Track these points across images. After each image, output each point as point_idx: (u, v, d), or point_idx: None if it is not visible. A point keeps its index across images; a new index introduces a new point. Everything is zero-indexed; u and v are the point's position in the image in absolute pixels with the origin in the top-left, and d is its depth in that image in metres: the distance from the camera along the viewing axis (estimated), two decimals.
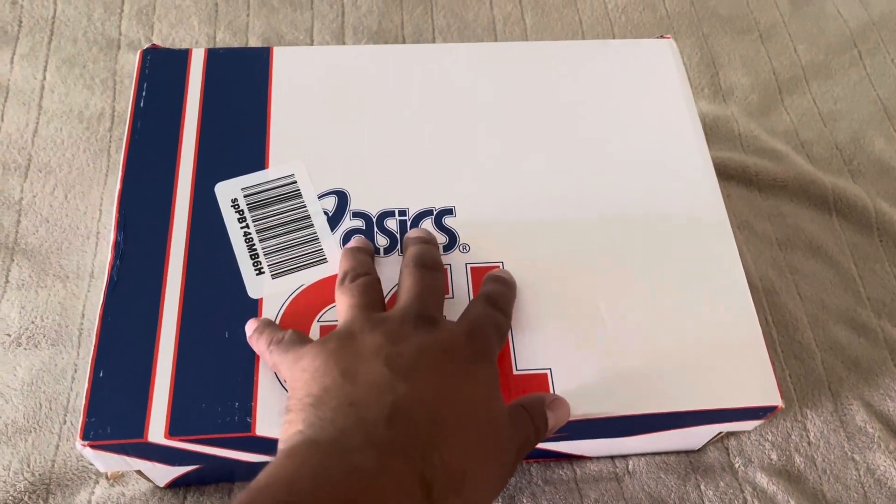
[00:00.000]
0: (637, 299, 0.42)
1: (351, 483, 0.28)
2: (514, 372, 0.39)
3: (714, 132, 0.64)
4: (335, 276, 0.41)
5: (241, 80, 0.49)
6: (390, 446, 0.29)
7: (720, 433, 0.47)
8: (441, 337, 0.34)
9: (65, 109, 0.61)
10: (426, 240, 0.42)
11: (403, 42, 0.68)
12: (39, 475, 0.46)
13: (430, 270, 0.39)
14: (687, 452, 0.50)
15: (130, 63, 0.63)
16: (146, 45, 0.50)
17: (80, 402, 0.38)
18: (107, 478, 0.47)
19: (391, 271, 0.42)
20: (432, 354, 0.33)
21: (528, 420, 0.36)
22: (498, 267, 0.43)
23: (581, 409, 0.39)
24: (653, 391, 0.39)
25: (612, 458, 0.49)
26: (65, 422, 0.48)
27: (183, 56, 0.49)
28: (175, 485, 0.46)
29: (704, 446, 0.49)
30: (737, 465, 0.49)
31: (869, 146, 0.64)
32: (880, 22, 0.72)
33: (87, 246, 0.55)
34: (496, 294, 0.40)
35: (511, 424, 0.35)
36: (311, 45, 0.66)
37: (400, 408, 0.30)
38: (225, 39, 0.66)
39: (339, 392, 0.31)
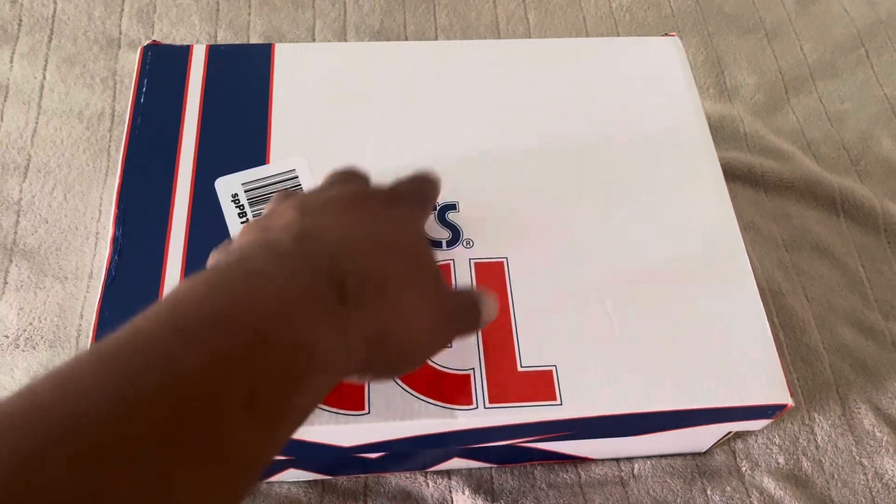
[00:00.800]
0: (644, 296, 0.41)
1: (248, 286, 0.26)
2: (519, 368, 0.39)
3: (719, 132, 0.63)
4: None
5: (243, 76, 0.48)
6: (293, 255, 0.28)
7: (727, 434, 0.46)
8: (352, 188, 0.34)
9: (65, 109, 0.60)
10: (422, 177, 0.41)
11: (406, 41, 0.67)
12: None
13: (418, 183, 0.39)
14: (693, 455, 0.49)
15: (131, 62, 0.63)
16: (147, 42, 0.49)
17: None
18: None
19: None
20: (340, 200, 0.32)
21: (465, 296, 0.36)
22: (501, 263, 0.42)
23: (587, 407, 0.38)
24: (660, 389, 0.39)
25: (618, 460, 0.49)
26: None
27: (184, 52, 0.49)
28: None
29: (711, 449, 0.49)
30: (743, 469, 0.48)
31: (876, 146, 0.64)
32: (888, 20, 0.71)
33: (86, 246, 0.54)
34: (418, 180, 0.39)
35: (441, 279, 0.34)
36: (314, 42, 0.66)
37: (307, 232, 0.29)
38: (226, 38, 0.65)
39: (251, 236, 0.30)
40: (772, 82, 0.67)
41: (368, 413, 0.37)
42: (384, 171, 0.45)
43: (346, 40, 0.66)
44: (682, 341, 0.40)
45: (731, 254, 0.43)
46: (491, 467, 0.48)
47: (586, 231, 0.44)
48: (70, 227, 0.55)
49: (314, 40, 0.66)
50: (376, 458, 0.45)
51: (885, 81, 0.68)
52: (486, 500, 0.46)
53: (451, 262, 0.42)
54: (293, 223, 0.29)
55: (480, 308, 0.36)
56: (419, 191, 0.38)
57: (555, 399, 0.38)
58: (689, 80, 0.50)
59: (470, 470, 0.48)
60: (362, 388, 0.38)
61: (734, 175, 0.60)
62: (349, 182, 0.36)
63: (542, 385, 0.38)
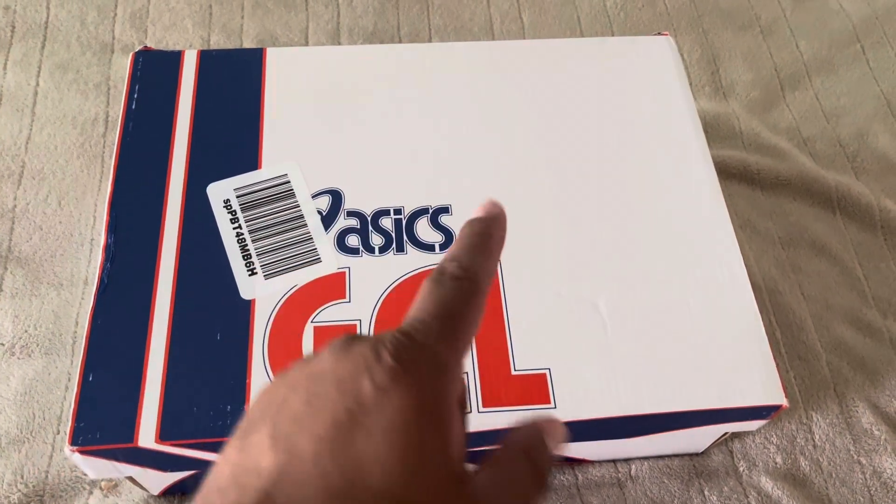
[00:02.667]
0: (637, 298, 0.41)
1: None
2: (513, 372, 0.39)
3: (715, 130, 0.63)
4: (329, 275, 0.41)
5: (234, 81, 0.48)
6: None
7: (724, 434, 0.46)
8: (340, 371, 0.22)
9: (58, 115, 0.60)
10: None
11: (400, 43, 0.67)
12: (33, 486, 0.46)
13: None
14: (690, 456, 0.49)
15: (124, 68, 0.62)
16: (139, 48, 0.49)
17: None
18: (100, 488, 0.46)
19: (385, 270, 0.41)
20: (325, 399, 0.21)
21: (524, 472, 0.24)
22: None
23: (581, 410, 0.38)
24: (654, 391, 0.39)
25: (615, 462, 0.48)
26: (58, 432, 0.48)
27: (175, 58, 0.49)
28: (169, 493, 0.45)
29: (708, 449, 0.49)
30: (741, 469, 0.48)
31: (873, 142, 0.63)
32: (884, 16, 0.71)
33: (80, 253, 0.54)
34: (450, 257, 0.26)
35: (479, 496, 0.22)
36: (306, 46, 0.66)
37: (274, 493, 0.20)
38: (219, 42, 0.65)
39: (225, 467, 0.21)
40: (767, 79, 0.67)
41: None
42: (378, 171, 0.45)
43: (339, 43, 0.66)
44: (675, 343, 0.40)
45: (725, 254, 0.43)
46: None
47: (579, 233, 0.43)
48: (65, 233, 0.55)
49: (307, 43, 0.66)
50: None
51: (881, 77, 0.67)
52: None
53: None
54: (259, 476, 0.20)
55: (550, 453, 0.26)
56: (447, 310, 0.24)
57: (549, 402, 0.38)
58: (683, 79, 0.50)
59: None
60: None
61: (730, 173, 0.60)
62: (340, 359, 0.22)
63: (535, 388, 0.38)
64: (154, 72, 0.48)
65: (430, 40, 0.67)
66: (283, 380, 0.22)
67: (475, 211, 0.28)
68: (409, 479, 0.21)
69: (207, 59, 0.49)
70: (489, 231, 0.28)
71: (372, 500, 0.20)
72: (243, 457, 0.21)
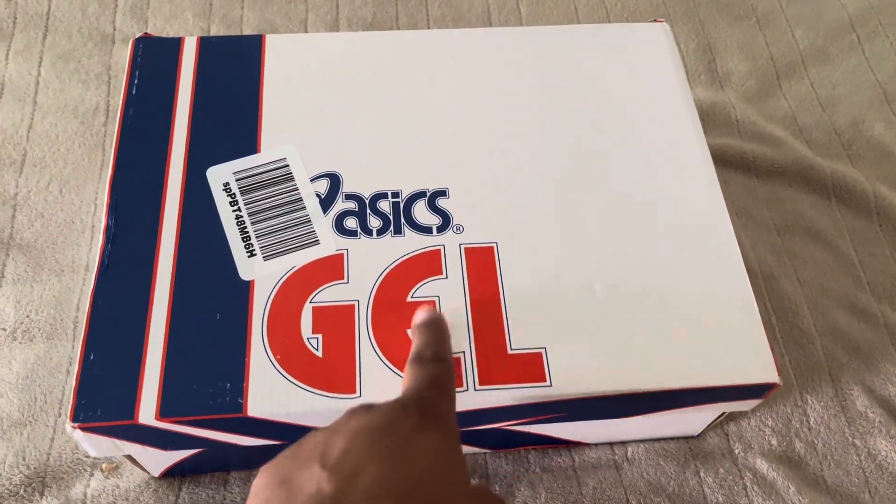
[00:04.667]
0: (633, 280, 0.42)
1: None
2: (509, 351, 0.39)
3: (711, 118, 0.63)
4: (327, 257, 0.41)
5: (234, 67, 0.48)
6: None
7: (720, 416, 0.46)
8: (373, 418, 0.30)
9: (60, 105, 0.61)
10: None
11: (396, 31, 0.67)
12: (35, 468, 0.46)
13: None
14: (686, 439, 0.49)
15: (125, 58, 0.63)
16: (139, 35, 0.50)
17: None
18: (101, 470, 0.46)
19: (383, 252, 0.42)
20: (365, 437, 0.29)
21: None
22: (492, 248, 0.42)
23: (577, 388, 0.38)
24: (648, 370, 0.39)
25: (611, 444, 0.49)
26: (60, 415, 0.48)
27: (175, 44, 0.49)
28: (170, 474, 0.45)
29: (704, 432, 0.49)
30: (736, 452, 0.49)
31: (868, 131, 0.64)
32: (879, 6, 0.71)
33: (82, 240, 0.55)
34: (423, 346, 0.36)
35: (476, 497, 0.32)
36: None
37: None
38: (219, 32, 0.66)
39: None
40: (763, 68, 0.67)
41: (360, 396, 0.37)
42: (377, 154, 0.45)
43: (340, 32, 0.67)
44: (670, 324, 0.40)
45: (720, 237, 0.44)
46: (485, 452, 0.48)
47: (576, 215, 0.44)
48: (66, 221, 0.55)
49: (307, 33, 0.66)
50: None
51: (876, 67, 0.68)
52: None
53: (442, 247, 0.42)
54: (312, 495, 0.27)
55: None
56: (433, 359, 0.35)
57: (544, 380, 0.38)
58: (679, 65, 0.51)
59: (464, 455, 0.48)
60: (354, 371, 0.38)
61: (726, 161, 0.61)
62: (369, 412, 0.31)
63: (531, 367, 0.39)
64: (154, 58, 0.49)
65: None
66: (312, 438, 0.30)
67: (419, 314, 0.39)
68: (449, 487, 0.29)
69: (207, 45, 0.49)
70: (442, 326, 0.38)
71: (429, 497, 0.28)
72: (293, 492, 0.27)
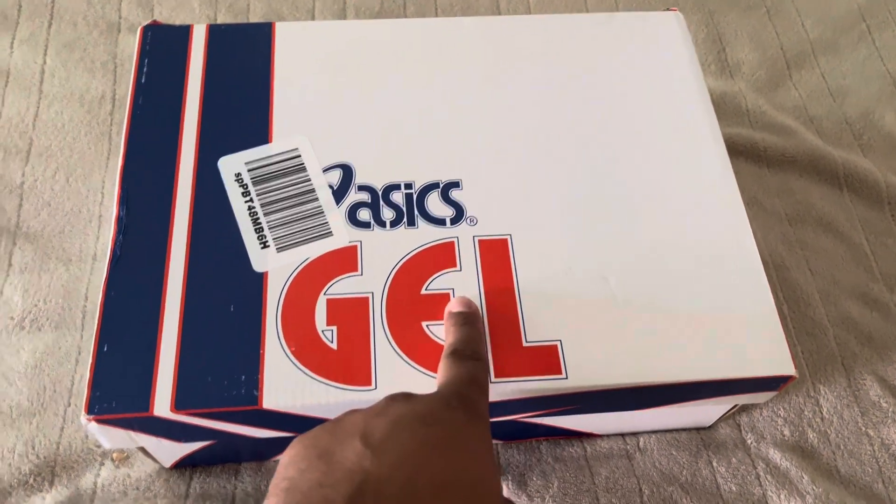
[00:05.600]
0: (648, 271, 0.41)
1: None
2: (524, 344, 0.39)
3: (721, 108, 0.63)
4: (341, 248, 0.41)
5: (244, 56, 0.48)
6: None
7: (732, 408, 0.46)
8: (417, 407, 0.31)
9: (65, 93, 0.60)
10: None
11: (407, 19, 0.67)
12: (44, 457, 0.46)
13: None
14: (698, 429, 0.49)
15: (131, 46, 0.62)
16: (146, 23, 0.49)
17: (85, 384, 0.37)
18: (112, 459, 0.46)
19: (396, 244, 0.41)
20: (408, 423, 0.30)
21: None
22: (506, 240, 0.42)
23: (592, 380, 0.38)
24: (664, 362, 0.39)
25: (623, 435, 0.49)
26: (69, 404, 0.48)
27: (184, 32, 0.49)
28: (181, 465, 0.45)
29: (716, 423, 0.49)
30: (749, 442, 0.49)
31: (879, 121, 0.63)
32: None
33: (89, 229, 0.54)
34: (460, 342, 0.37)
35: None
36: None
37: (366, 487, 0.28)
38: (226, 21, 0.65)
39: (312, 474, 0.29)
40: (773, 59, 0.67)
41: (375, 388, 0.37)
42: (389, 145, 0.45)
43: (350, 20, 0.66)
44: (685, 316, 0.40)
45: (735, 229, 0.43)
46: (497, 443, 0.48)
47: (589, 207, 0.44)
48: (73, 209, 0.55)
49: (316, 21, 0.66)
50: None
51: (887, 57, 0.67)
52: None
53: (456, 239, 0.42)
54: (354, 471, 0.28)
55: None
56: (470, 357, 0.36)
57: (560, 373, 0.38)
58: (692, 54, 0.50)
59: None
60: (369, 363, 0.38)
61: (737, 151, 0.60)
62: (411, 401, 0.32)
63: (547, 359, 0.38)
64: (163, 46, 0.48)
65: None
66: (351, 417, 0.30)
67: (455, 304, 0.39)
68: (485, 486, 0.30)
69: (216, 33, 0.49)
70: (479, 322, 0.39)
71: (469, 490, 0.29)
72: (333, 465, 0.28)
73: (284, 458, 0.30)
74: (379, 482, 0.28)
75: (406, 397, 0.32)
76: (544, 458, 0.48)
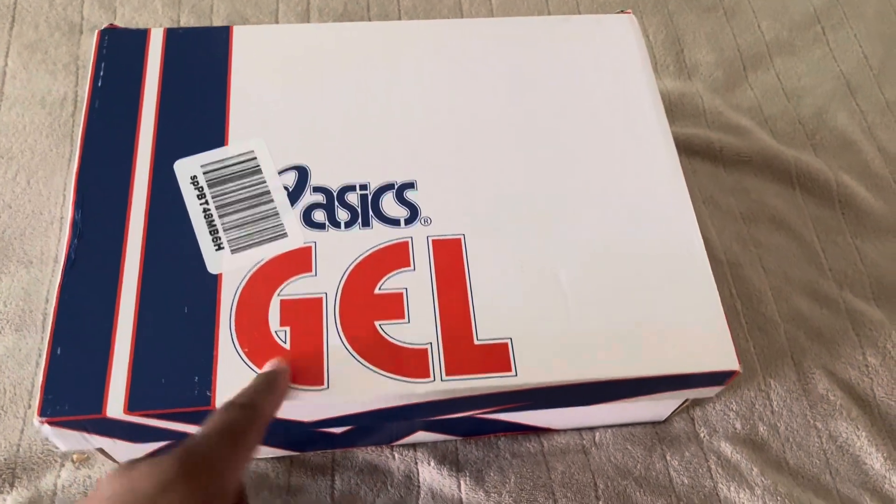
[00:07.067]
0: (597, 269, 0.42)
1: None
2: (476, 342, 0.39)
3: (679, 108, 0.64)
4: (295, 250, 0.42)
5: (201, 59, 0.48)
6: None
7: (684, 402, 0.47)
8: (120, 482, 0.28)
9: (27, 95, 0.60)
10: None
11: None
12: (4, 460, 0.46)
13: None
14: (653, 424, 0.50)
15: (93, 48, 0.62)
16: (104, 26, 0.49)
17: None
18: (72, 460, 0.46)
19: (351, 245, 0.42)
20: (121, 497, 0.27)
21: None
22: (459, 240, 0.43)
23: (543, 377, 0.39)
24: (613, 358, 0.40)
25: (579, 430, 0.50)
26: (29, 406, 0.48)
27: (141, 36, 0.49)
28: None
29: (670, 417, 0.50)
30: (702, 435, 0.50)
31: (831, 120, 0.65)
32: None
33: (50, 231, 0.55)
34: (239, 393, 0.34)
35: None
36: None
37: None
38: (189, 23, 0.65)
39: None
40: (730, 60, 0.68)
41: (327, 388, 0.38)
42: (345, 147, 0.45)
43: (309, 23, 0.67)
44: (634, 313, 0.41)
45: (683, 226, 0.44)
46: (456, 440, 0.49)
47: (542, 206, 0.44)
48: (34, 212, 0.55)
49: (277, 24, 0.66)
50: (343, 434, 0.45)
51: (840, 58, 0.69)
52: (451, 470, 0.47)
53: (410, 239, 0.43)
54: None
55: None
56: (231, 427, 0.31)
57: (510, 370, 0.39)
58: (645, 56, 0.51)
59: (435, 443, 0.49)
60: (322, 363, 0.38)
61: (693, 150, 0.62)
62: (122, 475, 0.28)
63: (497, 357, 0.39)
64: (120, 50, 0.48)
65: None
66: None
67: (266, 365, 0.38)
68: None
69: (174, 36, 0.49)
70: (275, 377, 0.36)
71: None
72: None
73: None
74: None
75: (124, 469, 0.28)
76: (502, 454, 0.48)
